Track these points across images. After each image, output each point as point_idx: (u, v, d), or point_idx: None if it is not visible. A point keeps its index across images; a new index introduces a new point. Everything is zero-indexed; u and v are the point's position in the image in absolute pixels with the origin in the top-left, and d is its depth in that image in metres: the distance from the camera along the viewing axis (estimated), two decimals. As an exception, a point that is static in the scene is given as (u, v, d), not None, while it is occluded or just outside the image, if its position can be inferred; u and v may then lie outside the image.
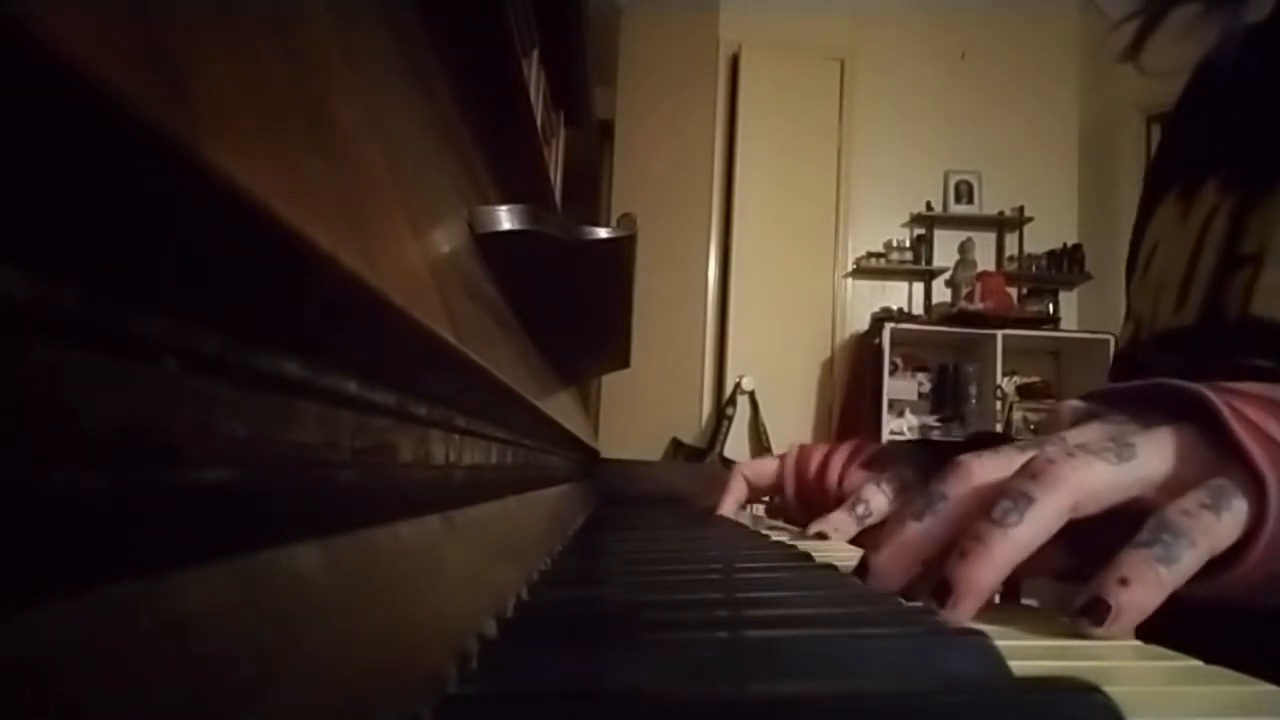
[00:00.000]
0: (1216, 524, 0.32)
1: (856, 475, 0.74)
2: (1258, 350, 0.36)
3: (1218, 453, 0.34)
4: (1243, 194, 0.53)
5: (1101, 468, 0.34)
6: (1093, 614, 0.31)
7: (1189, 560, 0.31)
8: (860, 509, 0.65)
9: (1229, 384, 0.37)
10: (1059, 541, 0.34)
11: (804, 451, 0.80)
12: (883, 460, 0.73)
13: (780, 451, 0.82)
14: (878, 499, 0.66)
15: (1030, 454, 0.36)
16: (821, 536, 0.65)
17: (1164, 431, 0.35)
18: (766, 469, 0.81)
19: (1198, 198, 0.57)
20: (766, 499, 0.84)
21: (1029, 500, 0.33)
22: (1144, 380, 0.39)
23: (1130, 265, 0.65)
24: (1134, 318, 0.62)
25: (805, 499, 0.77)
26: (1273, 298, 0.50)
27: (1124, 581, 0.31)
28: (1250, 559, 0.33)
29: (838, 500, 0.70)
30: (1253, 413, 0.35)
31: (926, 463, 0.67)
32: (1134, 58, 0.64)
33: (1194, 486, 0.33)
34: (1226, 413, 0.34)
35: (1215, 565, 0.33)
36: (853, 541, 0.68)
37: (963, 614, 0.32)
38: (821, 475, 0.76)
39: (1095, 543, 0.33)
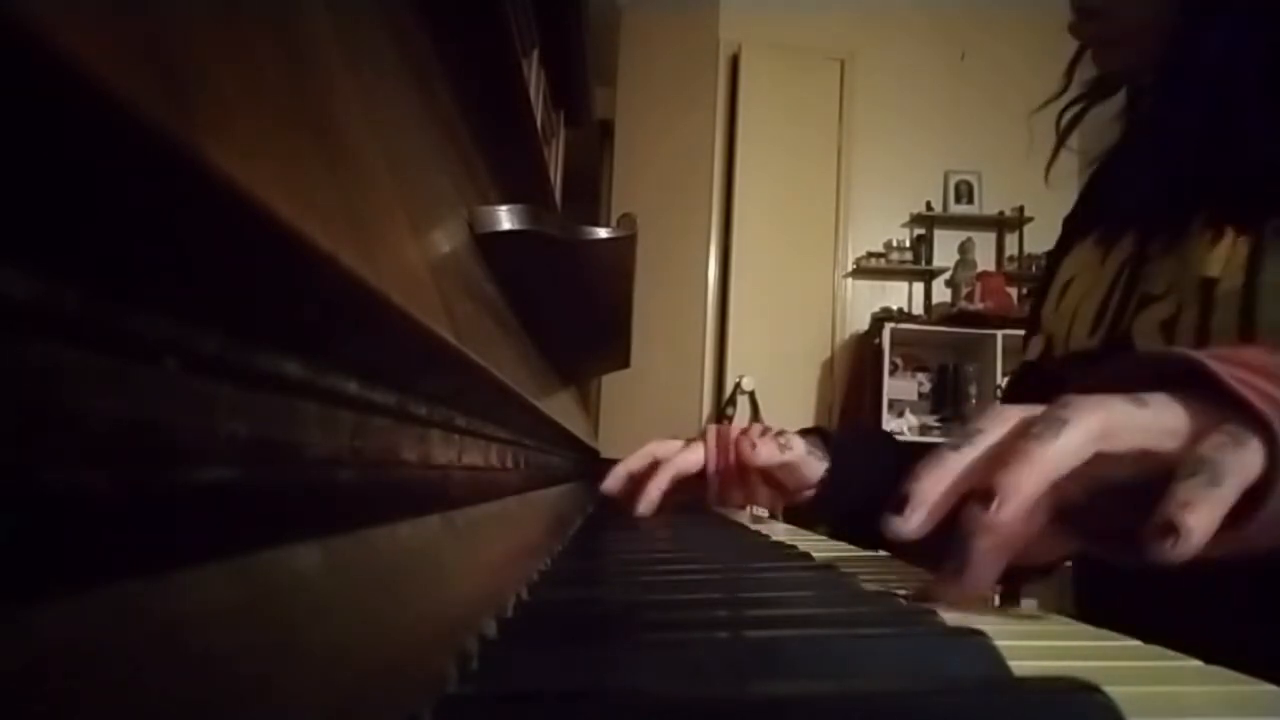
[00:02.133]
0: (1244, 455, 0.34)
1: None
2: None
3: (1219, 407, 0.36)
4: (1154, 243, 0.62)
5: (1124, 405, 0.36)
6: (1166, 536, 0.32)
7: (1231, 484, 0.33)
8: (783, 439, 0.74)
9: (1209, 350, 0.39)
10: (1066, 525, 0.36)
11: (722, 429, 0.84)
12: (799, 436, 0.80)
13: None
14: (798, 442, 0.75)
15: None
16: (742, 448, 0.73)
17: (1167, 394, 0.37)
18: (693, 457, 0.81)
19: (1117, 245, 0.66)
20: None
21: (1063, 421, 0.35)
22: (1124, 356, 0.42)
23: (1043, 289, 0.75)
24: (1045, 335, 0.70)
25: (726, 476, 0.80)
26: (1186, 339, 0.56)
27: (1186, 505, 0.32)
28: (1271, 500, 0.34)
29: (758, 473, 0.76)
30: (1233, 370, 0.37)
31: (839, 446, 0.77)
32: (1064, 138, 0.79)
33: (1207, 434, 0.35)
34: (1219, 368, 0.36)
35: (1234, 516, 0.34)
36: (798, 521, 0.73)
37: (1005, 515, 0.33)
38: (739, 444, 0.79)
39: (1101, 523, 0.35)
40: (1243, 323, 0.54)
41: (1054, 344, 0.69)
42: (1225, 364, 0.37)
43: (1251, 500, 0.34)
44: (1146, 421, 0.36)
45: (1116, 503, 0.36)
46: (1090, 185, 0.77)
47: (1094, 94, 0.75)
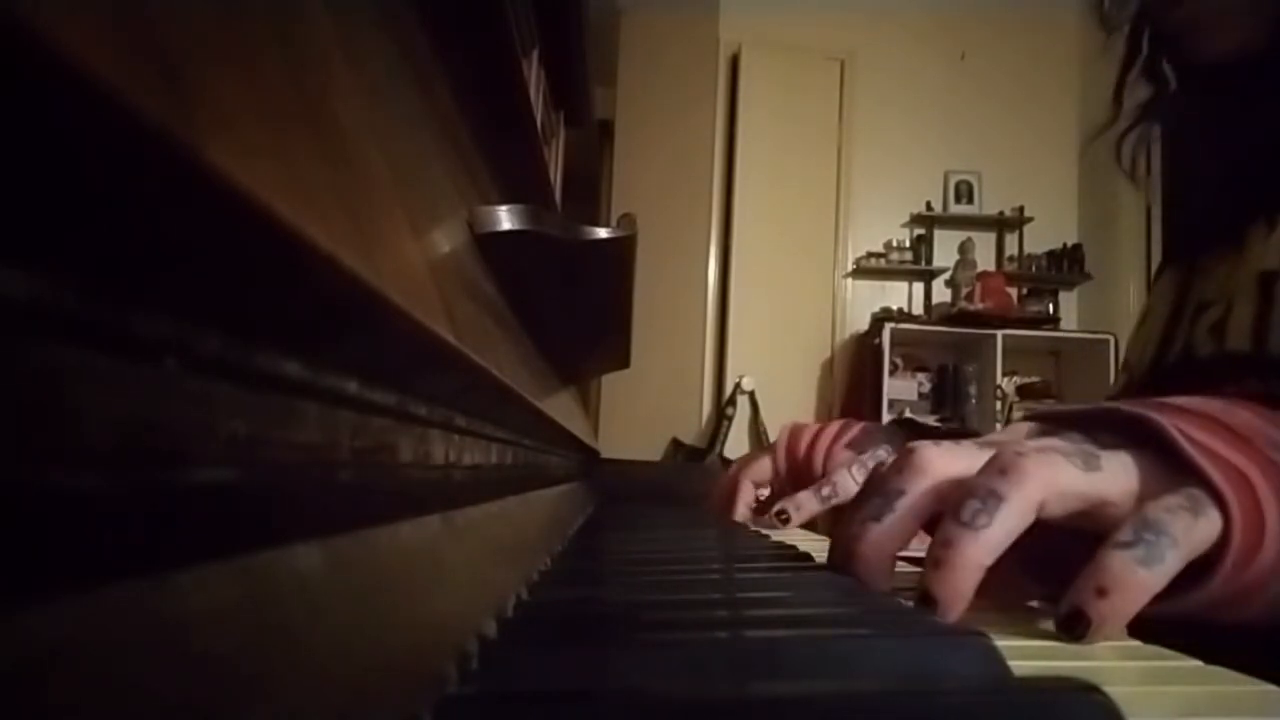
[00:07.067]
0: (1195, 526, 0.32)
1: (841, 455, 0.77)
2: (1231, 379, 0.38)
3: (1175, 474, 0.34)
4: (1212, 252, 0.60)
5: (1069, 468, 0.34)
6: (1073, 629, 0.30)
7: (1172, 560, 0.31)
8: (826, 490, 0.71)
9: (1170, 401, 0.37)
10: (1026, 572, 0.35)
11: (795, 432, 0.84)
12: (865, 440, 0.78)
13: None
14: (846, 483, 0.71)
15: (991, 451, 0.35)
16: (782, 515, 0.70)
17: (1124, 453, 0.35)
18: (763, 465, 0.84)
19: (1176, 263, 0.64)
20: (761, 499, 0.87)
21: (998, 499, 0.32)
22: (1093, 405, 0.39)
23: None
24: (1127, 369, 0.68)
25: (797, 481, 0.80)
26: (1240, 334, 0.54)
27: (1102, 592, 0.30)
28: (1220, 574, 0.33)
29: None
30: (1200, 435, 0.35)
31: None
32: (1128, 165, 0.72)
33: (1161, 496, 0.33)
34: (1178, 437, 0.34)
35: (1181, 583, 0.32)
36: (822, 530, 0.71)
37: (952, 618, 0.32)
38: (810, 456, 0.80)
39: (1065, 571, 0.33)
40: None
41: (1131, 374, 0.67)
42: (1181, 420, 0.35)
43: (1200, 570, 0.33)
44: (1093, 486, 0.34)
45: (1072, 548, 0.34)
46: (1165, 209, 0.75)
47: (1149, 113, 0.69)
